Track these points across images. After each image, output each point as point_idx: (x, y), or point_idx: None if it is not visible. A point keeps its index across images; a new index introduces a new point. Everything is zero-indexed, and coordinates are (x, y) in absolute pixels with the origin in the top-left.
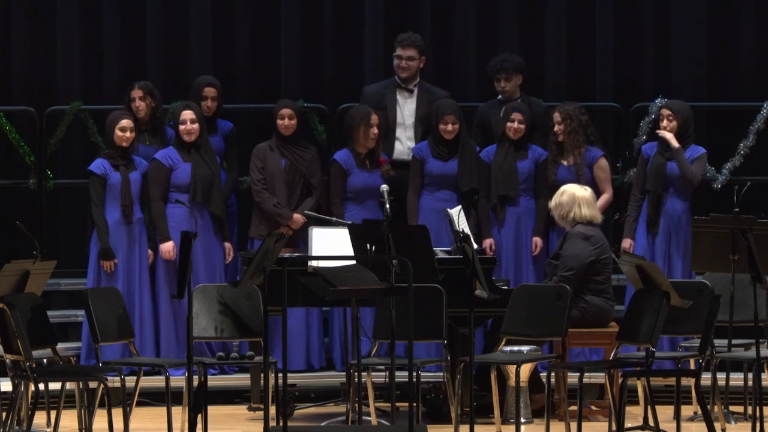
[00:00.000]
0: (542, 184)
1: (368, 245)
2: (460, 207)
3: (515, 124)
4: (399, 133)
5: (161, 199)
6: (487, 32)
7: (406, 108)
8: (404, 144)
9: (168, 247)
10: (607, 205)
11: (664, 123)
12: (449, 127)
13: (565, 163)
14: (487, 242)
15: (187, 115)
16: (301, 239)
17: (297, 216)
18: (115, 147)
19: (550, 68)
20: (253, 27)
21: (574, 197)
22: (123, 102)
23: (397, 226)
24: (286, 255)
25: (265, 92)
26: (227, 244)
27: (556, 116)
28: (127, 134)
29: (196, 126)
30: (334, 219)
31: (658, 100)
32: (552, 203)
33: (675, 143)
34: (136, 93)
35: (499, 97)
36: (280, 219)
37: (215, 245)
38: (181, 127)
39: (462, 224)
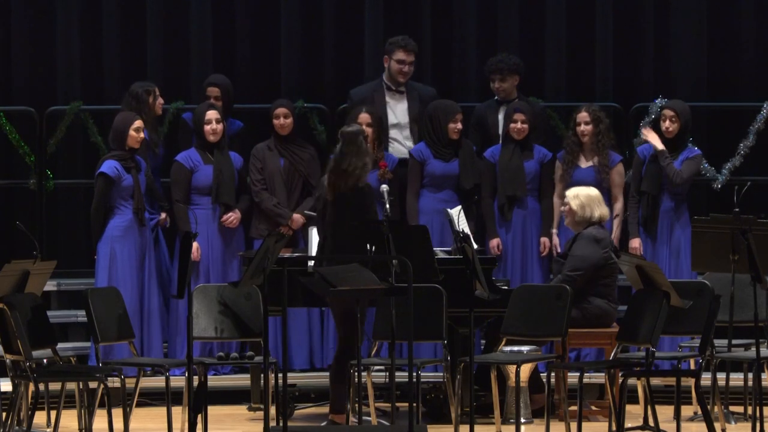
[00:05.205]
0: (547, 184)
1: (368, 245)
2: (460, 207)
3: (518, 125)
4: (394, 133)
5: (183, 201)
6: (487, 32)
7: (398, 108)
8: (404, 144)
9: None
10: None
11: (667, 124)
12: (459, 125)
13: (583, 164)
14: (494, 242)
15: (212, 114)
16: (301, 239)
17: (296, 216)
18: (126, 148)
19: (550, 68)
20: (253, 27)
21: (590, 197)
22: (127, 101)
23: (397, 226)
24: (286, 255)
25: (265, 92)
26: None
27: (584, 116)
28: (141, 135)
29: (220, 126)
30: None
31: (658, 100)
32: (571, 207)
33: (660, 146)
34: (158, 91)
35: (496, 97)
36: (279, 219)
37: (240, 235)
38: (206, 127)
39: (462, 224)
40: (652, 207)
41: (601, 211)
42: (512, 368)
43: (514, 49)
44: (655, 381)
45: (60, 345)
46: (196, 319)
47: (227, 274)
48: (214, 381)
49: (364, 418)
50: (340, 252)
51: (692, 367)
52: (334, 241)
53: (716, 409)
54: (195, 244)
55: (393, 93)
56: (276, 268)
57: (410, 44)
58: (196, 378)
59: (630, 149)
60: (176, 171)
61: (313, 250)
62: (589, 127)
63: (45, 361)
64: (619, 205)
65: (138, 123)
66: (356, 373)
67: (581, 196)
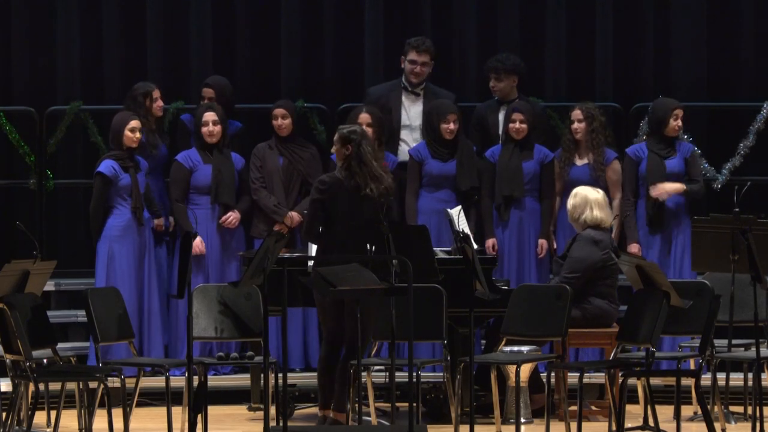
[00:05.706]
0: (548, 185)
1: (368, 245)
2: (459, 207)
3: (517, 124)
4: (404, 135)
5: (182, 201)
6: (487, 32)
7: (413, 110)
8: (411, 146)
9: (195, 243)
10: (618, 210)
11: (678, 122)
12: (451, 126)
13: (578, 162)
14: (490, 242)
15: (210, 116)
16: (299, 239)
17: (293, 213)
18: (124, 148)
19: (550, 68)
20: (253, 27)
21: (587, 199)
22: (127, 102)
23: (397, 226)
24: (286, 255)
25: (265, 92)
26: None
27: (577, 114)
28: (137, 135)
29: (218, 128)
30: None
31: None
32: (568, 205)
33: (682, 188)
34: (157, 93)
35: (496, 97)
36: (275, 217)
37: (240, 235)
38: (204, 128)
39: (462, 224)
40: (656, 205)
41: (597, 214)
42: (512, 368)
43: (514, 49)
44: (655, 381)
45: (60, 345)
46: (196, 319)
47: (227, 274)
48: (214, 381)
49: (364, 418)
50: (360, 250)
51: (692, 367)
52: (359, 239)
53: (716, 409)
54: (198, 239)
55: (409, 94)
56: (276, 268)
57: (423, 45)
58: (196, 378)
59: None
60: (175, 170)
61: (314, 250)
62: (583, 125)
63: (45, 361)
64: (617, 203)
65: (133, 123)
66: (356, 373)
67: (579, 196)
